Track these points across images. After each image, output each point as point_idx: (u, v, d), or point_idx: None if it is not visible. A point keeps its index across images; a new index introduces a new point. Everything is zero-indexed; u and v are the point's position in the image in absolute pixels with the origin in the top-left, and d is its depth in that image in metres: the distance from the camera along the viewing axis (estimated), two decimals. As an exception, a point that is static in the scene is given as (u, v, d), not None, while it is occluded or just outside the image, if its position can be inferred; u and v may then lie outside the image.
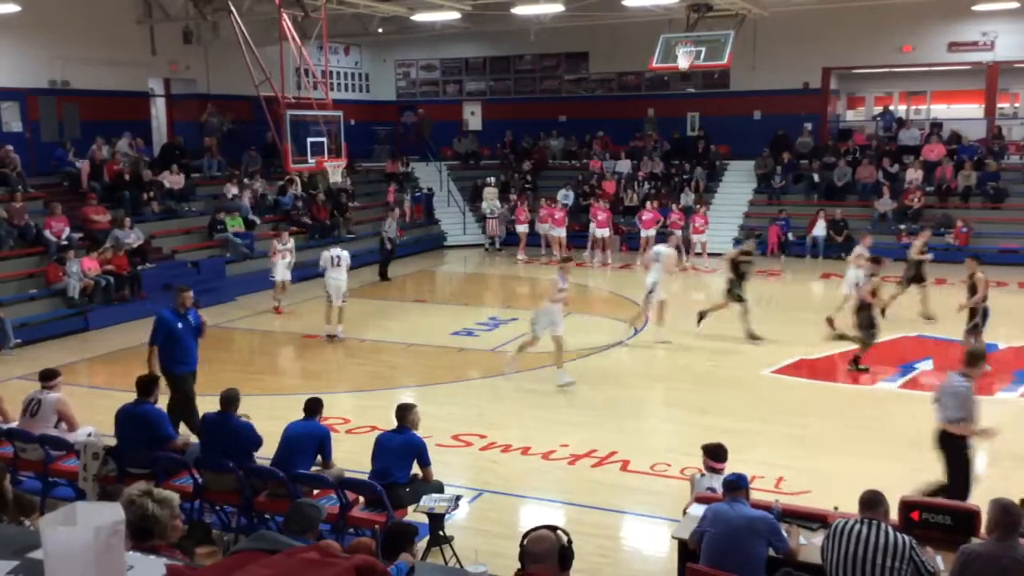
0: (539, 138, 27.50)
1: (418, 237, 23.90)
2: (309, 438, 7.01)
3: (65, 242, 15.81)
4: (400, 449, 6.86)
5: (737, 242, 21.28)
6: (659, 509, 7.66)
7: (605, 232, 21.66)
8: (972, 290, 11.61)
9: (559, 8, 19.87)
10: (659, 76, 24.92)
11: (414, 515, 6.59)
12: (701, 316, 13.53)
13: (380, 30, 24.42)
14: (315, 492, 6.80)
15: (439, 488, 6.85)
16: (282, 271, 15.90)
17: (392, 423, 7.11)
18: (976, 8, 21.64)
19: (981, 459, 9.19)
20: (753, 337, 13.09)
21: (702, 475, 6.53)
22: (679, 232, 20.37)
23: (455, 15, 20.81)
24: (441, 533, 6.40)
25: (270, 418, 8.37)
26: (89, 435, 7.71)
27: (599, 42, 25.92)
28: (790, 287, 19.09)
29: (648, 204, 21.90)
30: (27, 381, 10.49)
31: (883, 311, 13.46)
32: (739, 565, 5.15)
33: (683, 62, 18.16)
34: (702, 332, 13.42)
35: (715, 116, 25.66)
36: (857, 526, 4.94)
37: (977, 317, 11.50)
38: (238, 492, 6.92)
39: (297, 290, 16.64)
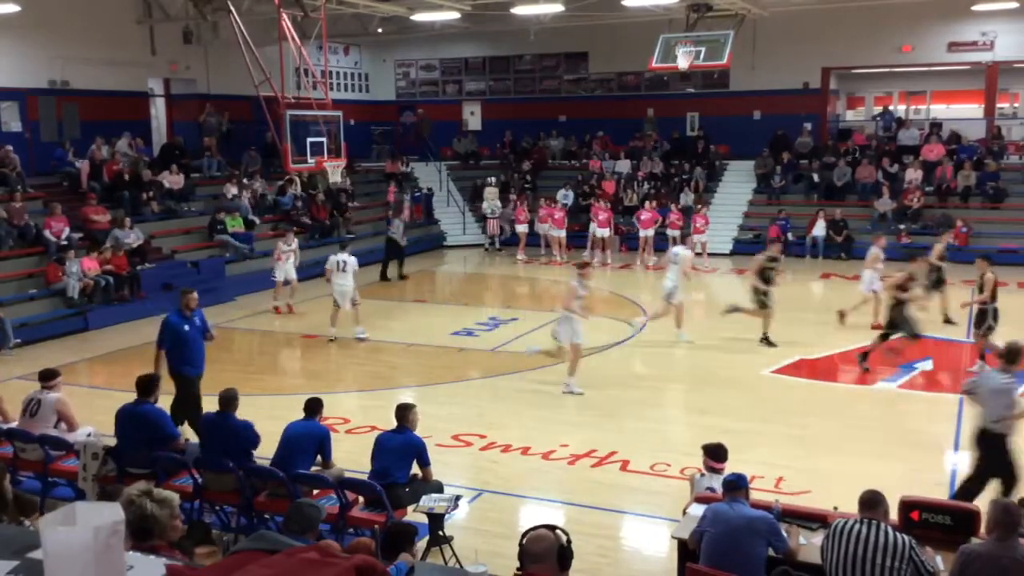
0: (539, 138, 27.50)
1: (418, 237, 23.88)
2: (309, 438, 7.01)
3: (65, 242, 15.81)
4: (400, 449, 6.86)
5: (759, 246, 21.36)
6: (659, 509, 7.65)
7: (606, 232, 21.66)
8: (983, 290, 11.50)
9: (559, 8, 19.87)
10: (659, 76, 24.93)
11: (414, 515, 6.59)
12: (732, 309, 13.37)
13: (380, 30, 24.42)
14: (315, 492, 6.80)
15: (439, 488, 6.85)
16: (288, 271, 15.93)
17: (392, 423, 7.11)
18: (976, 8, 21.65)
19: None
20: (768, 343, 13.00)
21: (702, 475, 6.53)
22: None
23: (455, 15, 20.80)
24: (441, 533, 6.40)
25: (270, 418, 8.38)
26: (89, 435, 7.72)
27: (599, 42, 25.92)
28: (790, 287, 18.97)
29: (647, 204, 21.90)
30: (27, 381, 10.49)
31: (947, 318, 13.81)
32: (739, 565, 5.15)
33: (683, 62, 18.16)
34: (702, 333, 13.40)
35: (715, 116, 25.67)
36: (857, 526, 4.94)
37: (989, 319, 11.35)
38: (238, 492, 6.92)
39: (297, 290, 16.64)
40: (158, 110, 22.82)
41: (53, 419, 7.89)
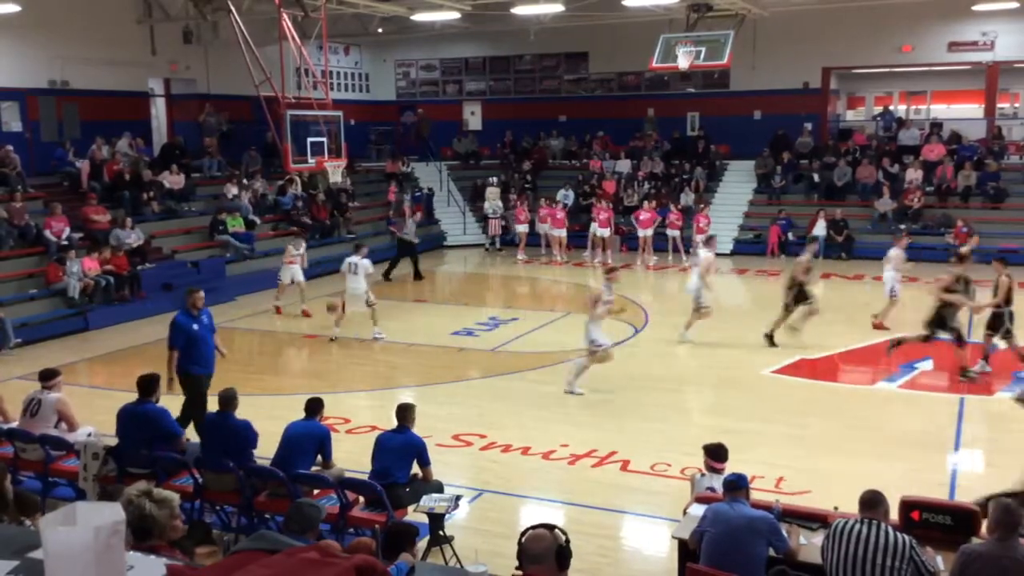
0: (539, 138, 27.49)
1: (418, 237, 23.87)
2: (309, 438, 7.01)
3: (65, 242, 15.81)
4: (400, 449, 6.86)
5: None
6: (659, 509, 7.65)
7: (606, 232, 21.66)
8: (996, 293, 11.31)
9: (559, 8, 19.87)
10: (659, 76, 24.92)
11: (414, 515, 6.59)
12: (790, 329, 12.97)
13: (380, 30, 24.42)
14: (315, 492, 6.80)
15: (439, 488, 6.85)
16: (296, 273, 15.96)
17: (392, 423, 7.11)
18: (976, 8, 21.64)
19: (979, 459, 9.24)
20: (771, 340, 12.89)
21: (702, 475, 6.53)
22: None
23: (455, 15, 20.80)
24: (441, 533, 6.40)
25: (270, 418, 8.38)
26: (89, 435, 7.72)
27: (599, 42, 25.92)
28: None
29: (645, 204, 21.90)
30: (27, 381, 10.49)
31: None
32: (739, 565, 5.15)
33: (683, 62, 18.16)
34: (703, 333, 13.39)
35: (715, 116, 25.66)
36: (857, 526, 4.94)
37: (1006, 322, 11.17)
38: (238, 492, 6.92)
39: (292, 289, 16.61)
40: (158, 110, 22.83)
41: (53, 419, 7.88)
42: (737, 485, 5.55)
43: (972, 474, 8.56)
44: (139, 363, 10.44)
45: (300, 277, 16.00)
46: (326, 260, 19.06)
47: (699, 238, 21.10)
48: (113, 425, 7.54)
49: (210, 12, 19.44)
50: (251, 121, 21.50)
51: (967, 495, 6.87)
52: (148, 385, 7.50)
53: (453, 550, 6.33)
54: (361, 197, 24.14)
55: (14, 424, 8.01)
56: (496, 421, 10.03)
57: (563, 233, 22.05)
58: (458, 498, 6.76)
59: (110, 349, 13.78)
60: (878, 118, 26.37)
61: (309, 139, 16.48)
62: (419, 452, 6.91)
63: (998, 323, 11.30)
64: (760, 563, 5.25)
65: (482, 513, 7.70)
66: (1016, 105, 27.65)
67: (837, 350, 12.82)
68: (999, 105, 25.30)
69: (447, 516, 6.56)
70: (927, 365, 12.08)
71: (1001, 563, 4.56)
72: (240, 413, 7.26)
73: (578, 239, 22.41)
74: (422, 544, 6.14)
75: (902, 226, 20.71)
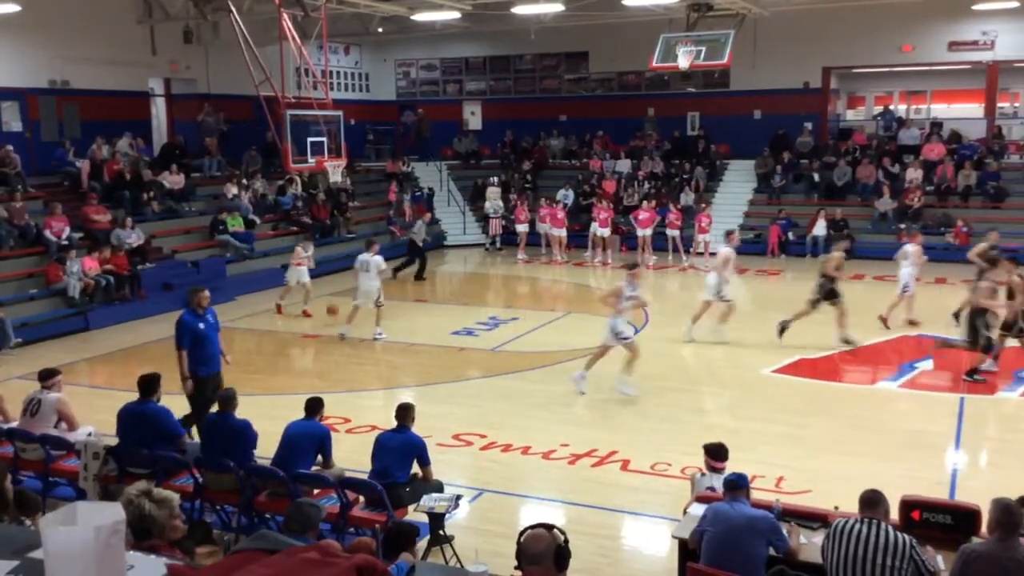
0: (539, 138, 27.49)
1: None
2: (309, 438, 7.01)
3: (65, 242, 15.80)
4: (400, 449, 6.86)
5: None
6: (659, 509, 7.65)
7: (606, 232, 21.65)
8: (1011, 294, 11.18)
9: (559, 8, 19.87)
10: (659, 76, 24.91)
11: (414, 515, 6.59)
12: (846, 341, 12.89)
13: (380, 30, 24.42)
14: (315, 492, 6.80)
15: (439, 488, 6.85)
16: (302, 275, 15.97)
17: (392, 423, 7.11)
18: (976, 8, 21.65)
19: (980, 459, 9.24)
20: (781, 331, 12.82)
21: (703, 474, 6.53)
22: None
23: (455, 15, 20.80)
24: (441, 533, 6.39)
25: (270, 418, 8.37)
26: (89, 435, 7.71)
27: (599, 42, 25.92)
28: (791, 287, 19.06)
29: (644, 203, 21.89)
30: (27, 381, 10.48)
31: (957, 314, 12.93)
32: (739, 564, 5.15)
33: (683, 62, 18.15)
34: (703, 332, 13.40)
35: (715, 116, 25.66)
36: (857, 526, 4.94)
37: (1021, 321, 11.05)
38: (238, 492, 6.91)
39: (297, 290, 16.62)
40: (158, 110, 22.83)
41: (54, 419, 7.89)
42: (737, 484, 5.55)
43: (972, 474, 8.56)
44: (139, 363, 10.45)
45: (306, 279, 16.02)
46: (326, 260, 19.06)
47: (701, 238, 21.09)
48: (113, 425, 7.54)
49: (210, 12, 19.43)
50: (251, 121, 21.50)
51: (967, 495, 6.87)
52: (149, 385, 7.49)
53: (453, 550, 6.33)
54: (361, 197, 24.13)
55: (14, 424, 8.01)
56: (496, 421, 10.03)
57: (563, 233, 22.04)
58: (458, 498, 6.76)
59: (110, 349, 13.78)
60: (878, 118, 26.39)
61: (309, 139, 16.49)
62: (419, 452, 6.91)
63: (1012, 323, 11.26)
64: (760, 563, 5.25)
65: (482, 513, 7.70)
66: (1016, 105, 27.66)
67: (837, 350, 12.81)
68: (999, 105, 25.31)
69: (447, 516, 6.56)
70: (927, 365, 12.08)
71: (1002, 563, 4.55)
72: (240, 413, 7.27)
73: (578, 239, 22.40)
74: (422, 544, 6.15)
75: (902, 226, 20.69)
